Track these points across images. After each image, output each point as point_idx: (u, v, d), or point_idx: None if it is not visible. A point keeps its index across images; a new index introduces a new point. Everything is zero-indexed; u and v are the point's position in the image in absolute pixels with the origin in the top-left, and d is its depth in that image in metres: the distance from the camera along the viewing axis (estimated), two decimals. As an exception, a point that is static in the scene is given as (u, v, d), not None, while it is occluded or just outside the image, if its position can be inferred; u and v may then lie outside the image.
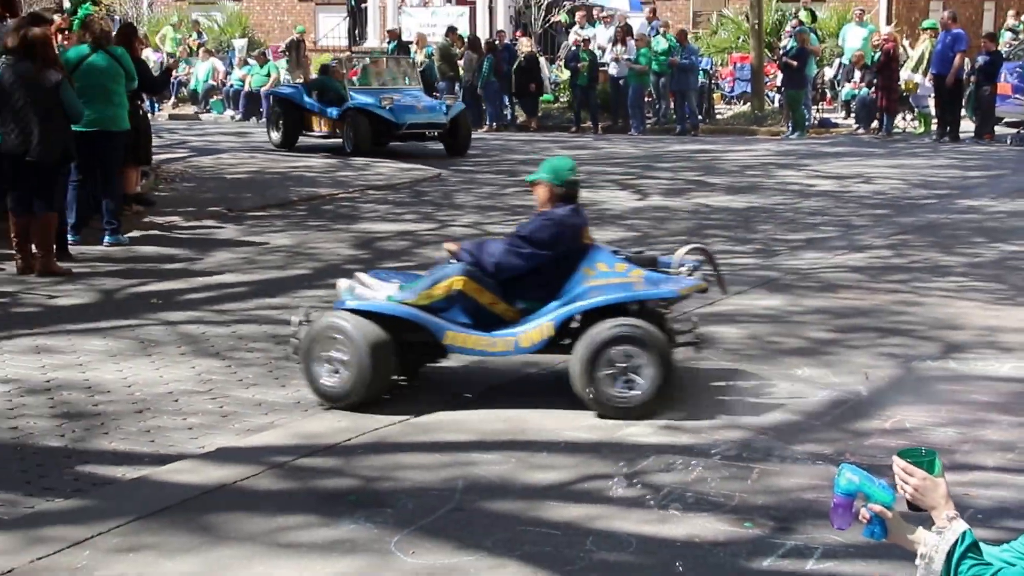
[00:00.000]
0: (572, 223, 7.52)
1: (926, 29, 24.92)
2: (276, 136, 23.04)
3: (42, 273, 11.22)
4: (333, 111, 21.92)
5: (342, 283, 7.98)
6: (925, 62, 23.99)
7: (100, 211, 12.93)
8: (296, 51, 31.67)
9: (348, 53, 28.80)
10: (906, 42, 26.33)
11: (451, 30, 29.54)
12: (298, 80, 27.39)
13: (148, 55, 26.87)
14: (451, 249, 7.78)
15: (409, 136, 21.89)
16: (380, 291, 7.69)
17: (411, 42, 29.46)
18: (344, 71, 23.19)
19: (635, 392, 7.13)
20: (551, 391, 7.64)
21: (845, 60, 27.02)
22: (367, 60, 24.75)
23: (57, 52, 11.83)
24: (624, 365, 7.12)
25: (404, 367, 7.67)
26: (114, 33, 13.99)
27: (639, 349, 7.11)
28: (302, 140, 22.77)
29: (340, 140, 21.98)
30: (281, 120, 23.01)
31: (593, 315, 7.33)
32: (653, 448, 6.59)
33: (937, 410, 7.21)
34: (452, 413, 7.27)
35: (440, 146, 22.34)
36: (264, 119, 29.46)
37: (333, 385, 7.39)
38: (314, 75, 25.70)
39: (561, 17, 30.00)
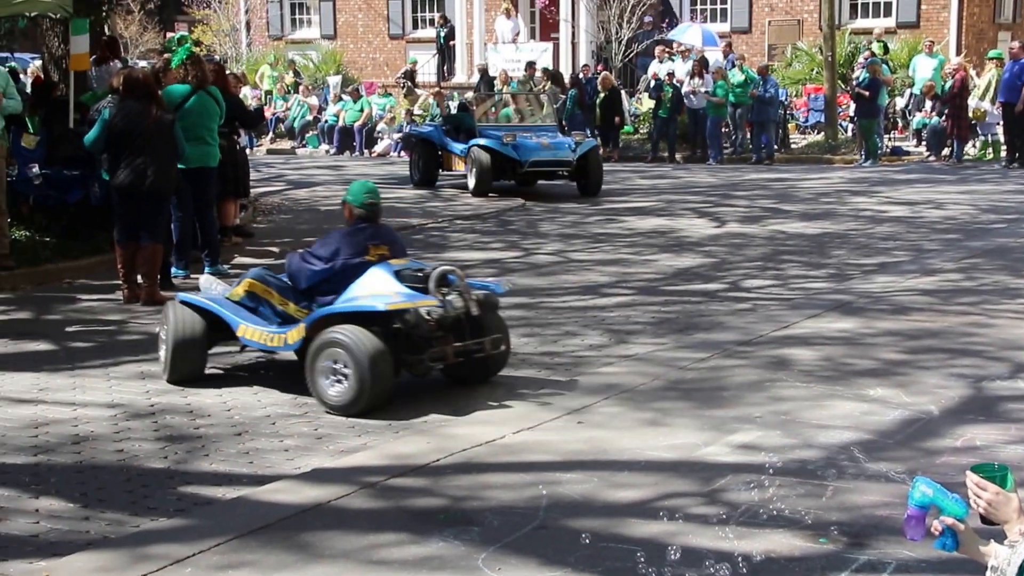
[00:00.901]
0: (353, 240, 8.38)
1: (992, 59, 24.87)
2: (416, 174, 22.17)
3: (147, 302, 11.46)
4: (464, 149, 20.84)
5: (202, 279, 9.56)
6: (992, 91, 23.92)
7: (200, 243, 13.20)
8: (412, 80, 32.22)
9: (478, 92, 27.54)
10: (974, 72, 26.24)
11: (530, 65, 29.81)
12: (410, 108, 27.54)
13: (246, 92, 27.30)
14: None
15: (534, 175, 20.66)
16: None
17: (495, 77, 29.72)
18: (479, 108, 22.40)
19: (341, 391, 7.84)
20: (629, 413, 7.80)
21: (916, 90, 26.98)
22: (499, 97, 24.03)
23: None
24: (334, 367, 7.84)
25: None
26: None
27: (345, 354, 7.77)
28: (443, 178, 22.03)
29: None
30: (420, 158, 22.16)
31: (356, 321, 7.98)
32: (730, 467, 6.69)
33: (1007, 428, 7.26)
34: (536, 435, 7.39)
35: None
36: (355, 150, 29.81)
37: (160, 360, 8.85)
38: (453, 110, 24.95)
39: (655, 67, 30.16)
